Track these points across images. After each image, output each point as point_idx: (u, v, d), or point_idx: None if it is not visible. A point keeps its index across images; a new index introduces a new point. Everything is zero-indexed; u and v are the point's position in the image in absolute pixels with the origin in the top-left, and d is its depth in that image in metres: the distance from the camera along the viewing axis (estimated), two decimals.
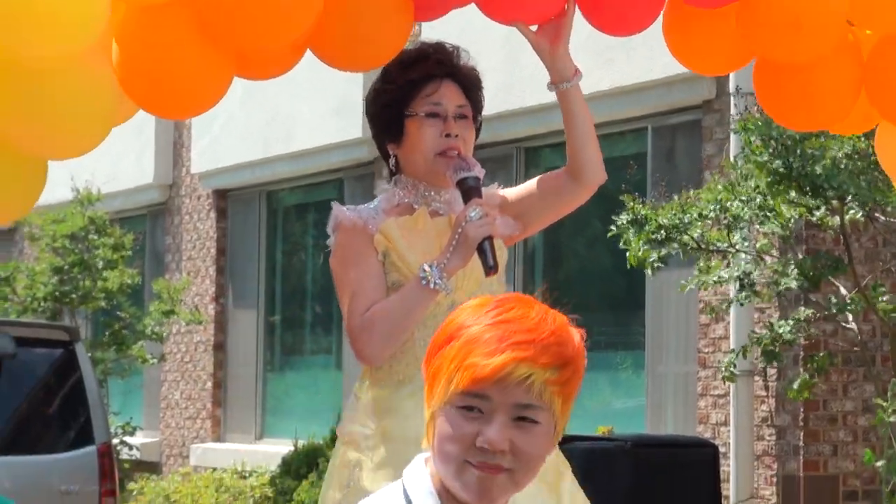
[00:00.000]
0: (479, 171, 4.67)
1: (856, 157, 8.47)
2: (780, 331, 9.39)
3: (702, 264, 9.46)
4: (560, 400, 2.99)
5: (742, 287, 9.29)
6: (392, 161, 4.79)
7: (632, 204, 9.38)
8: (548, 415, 2.98)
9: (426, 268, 4.55)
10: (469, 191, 4.62)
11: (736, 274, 9.27)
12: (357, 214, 4.74)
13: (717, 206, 9.10)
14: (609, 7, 4.67)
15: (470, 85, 4.80)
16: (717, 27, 4.71)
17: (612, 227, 9.44)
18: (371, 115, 4.83)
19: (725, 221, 9.21)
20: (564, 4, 4.66)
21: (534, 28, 4.75)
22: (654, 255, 9.24)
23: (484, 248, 4.56)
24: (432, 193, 4.76)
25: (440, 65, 4.76)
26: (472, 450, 2.97)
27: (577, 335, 3.05)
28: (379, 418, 4.61)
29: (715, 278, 9.33)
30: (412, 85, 4.71)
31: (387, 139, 4.79)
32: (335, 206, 4.79)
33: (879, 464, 8.23)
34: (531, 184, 4.92)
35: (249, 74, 4.60)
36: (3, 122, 4.15)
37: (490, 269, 4.57)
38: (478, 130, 4.85)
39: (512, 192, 4.86)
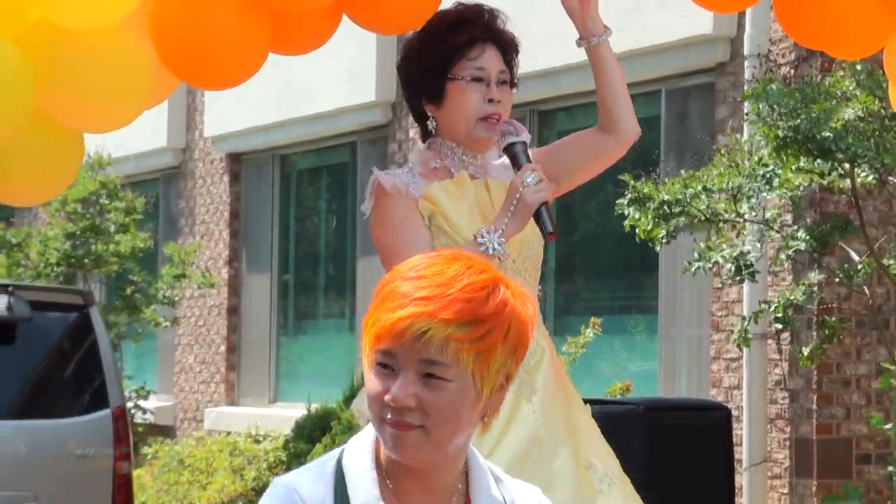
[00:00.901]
0: (526, 136, 4.71)
1: (869, 118, 8.47)
2: (792, 297, 9.41)
3: (702, 244, 9.42)
4: (471, 357, 2.93)
5: (738, 270, 9.27)
6: (431, 123, 4.78)
7: (633, 183, 9.37)
8: (458, 372, 2.93)
9: (484, 233, 4.56)
10: (518, 155, 4.65)
11: (734, 254, 9.25)
12: (398, 179, 4.71)
13: (727, 186, 9.10)
14: None
15: (511, 50, 4.83)
16: None
17: (621, 200, 9.44)
18: (408, 76, 4.83)
19: (732, 193, 9.22)
20: None
21: None
22: (663, 231, 9.23)
23: (541, 213, 4.58)
24: (468, 157, 4.79)
25: (485, 29, 4.78)
26: (386, 407, 2.96)
27: (508, 298, 2.97)
28: None
29: (710, 264, 9.31)
30: (456, 48, 4.73)
31: (425, 101, 4.79)
32: (375, 171, 4.74)
33: (888, 426, 8.26)
34: (562, 144, 4.95)
35: (286, 49, 4.63)
36: (42, 94, 4.18)
37: (549, 233, 4.59)
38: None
39: (542, 154, 4.88)
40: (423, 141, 4.86)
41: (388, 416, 2.96)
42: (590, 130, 4.91)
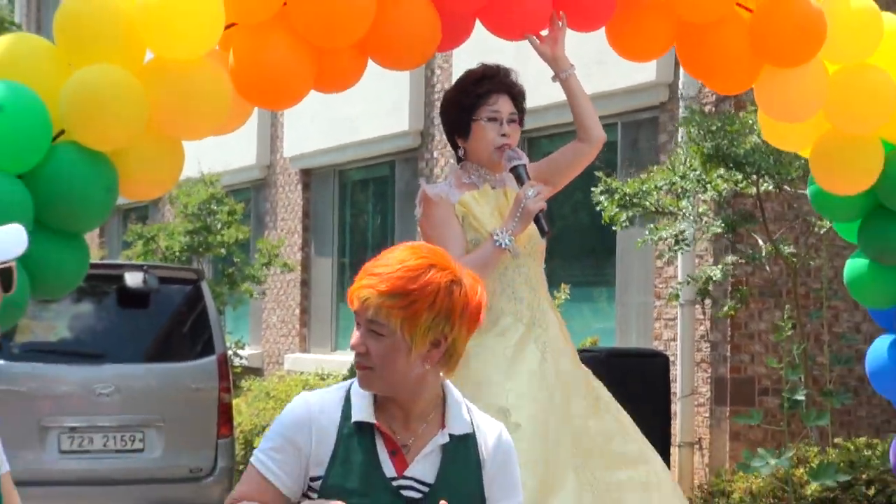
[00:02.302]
0: (525, 159, 4.78)
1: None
2: (711, 274, 9.42)
3: (652, 226, 9.47)
4: (399, 321, 2.97)
5: (677, 242, 9.32)
6: (461, 151, 4.85)
7: (605, 179, 9.42)
8: (390, 329, 2.98)
9: (498, 233, 4.63)
10: (520, 174, 4.74)
11: (674, 234, 9.30)
12: (440, 190, 4.78)
13: (668, 182, 9.13)
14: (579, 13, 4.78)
15: (519, 98, 4.88)
16: (643, 25, 4.81)
17: (593, 194, 9.48)
18: (445, 116, 4.92)
19: (676, 192, 9.24)
20: (548, 19, 4.79)
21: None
22: (624, 216, 9.27)
23: (539, 219, 4.65)
24: (489, 175, 4.85)
25: (500, 84, 4.83)
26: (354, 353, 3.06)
27: (438, 279, 2.98)
28: None
29: (657, 237, 9.36)
30: (479, 97, 4.79)
31: (457, 135, 4.86)
32: (423, 184, 4.83)
33: (780, 367, 8.26)
34: (553, 157, 5.04)
35: (325, 88, 4.63)
36: (153, 110, 4.20)
37: (545, 233, 4.67)
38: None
39: (541, 165, 4.96)
40: (458, 163, 4.93)
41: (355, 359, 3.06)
42: (570, 144, 4.98)
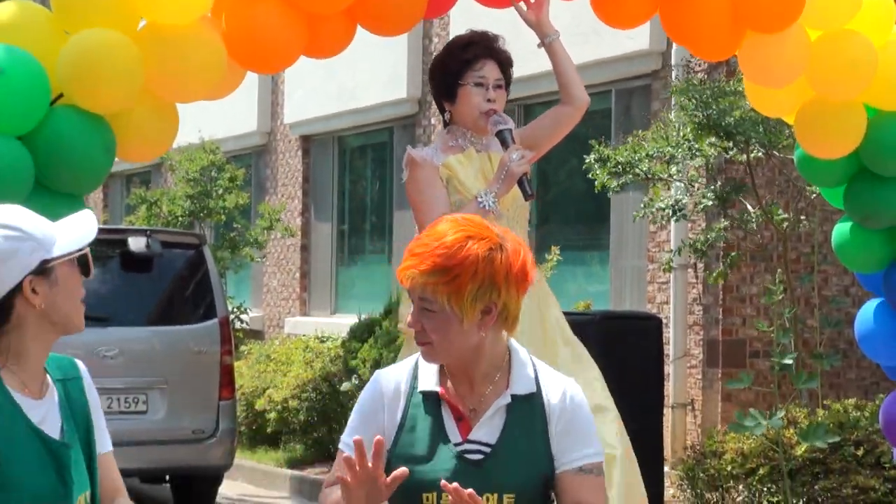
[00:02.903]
0: (511, 124, 4.78)
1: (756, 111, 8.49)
2: (707, 236, 9.44)
3: (647, 198, 9.47)
4: (445, 296, 3.01)
5: (674, 211, 9.33)
6: (447, 115, 4.85)
7: (597, 146, 9.42)
8: (439, 305, 3.02)
9: (482, 194, 4.64)
10: (505, 139, 4.74)
11: (671, 203, 9.31)
12: (425, 153, 4.79)
13: (659, 150, 9.14)
14: None
15: (506, 64, 4.88)
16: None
17: (586, 161, 9.49)
18: (433, 80, 4.92)
19: (665, 159, 9.25)
20: None
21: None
22: (615, 183, 9.28)
23: (522, 181, 4.65)
24: (475, 138, 4.84)
25: (486, 49, 4.82)
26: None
27: (475, 250, 3.00)
28: None
29: (654, 208, 9.37)
30: (465, 62, 4.79)
31: (444, 98, 4.86)
32: (409, 148, 4.84)
33: (770, 330, 8.28)
34: (536, 121, 5.05)
35: (315, 54, 4.65)
36: (148, 74, 4.23)
37: (529, 195, 4.67)
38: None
39: (525, 131, 4.98)
40: (445, 127, 4.92)
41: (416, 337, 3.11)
42: (554, 108, 4.99)
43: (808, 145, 5.12)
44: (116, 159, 4.35)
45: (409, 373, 3.17)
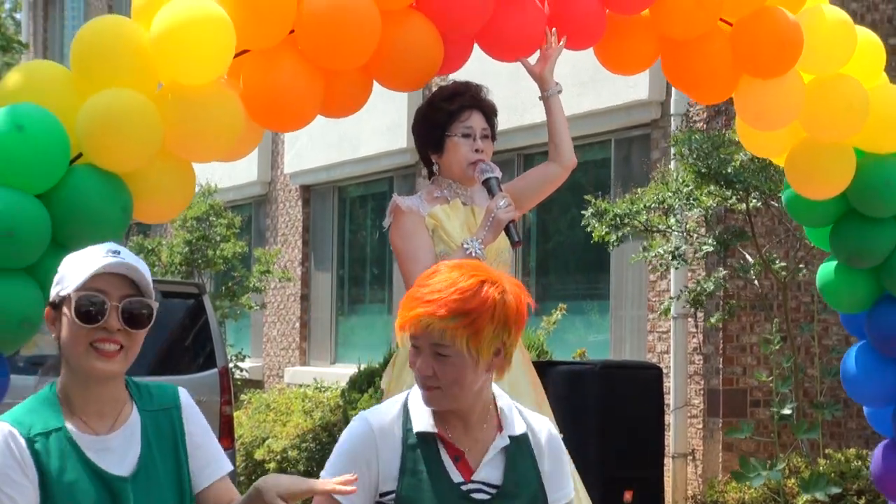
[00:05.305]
0: (498, 172, 4.77)
1: (757, 159, 8.52)
2: (705, 286, 9.43)
3: (646, 243, 9.49)
4: (464, 339, 3.03)
5: (674, 257, 9.34)
6: (435, 167, 4.84)
7: (594, 201, 9.43)
8: (456, 350, 3.03)
9: (468, 241, 4.62)
10: (492, 186, 4.72)
11: (671, 249, 9.32)
12: (411, 202, 4.79)
13: (657, 200, 9.15)
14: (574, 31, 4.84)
15: (490, 114, 4.88)
16: (629, 41, 4.92)
17: (584, 215, 9.49)
18: (418, 132, 4.89)
19: (664, 209, 9.26)
20: (541, 42, 4.83)
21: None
22: (614, 237, 9.28)
23: (509, 228, 4.64)
24: (461, 190, 4.83)
25: (472, 99, 4.83)
26: (418, 376, 3.10)
27: (490, 293, 3.03)
28: None
29: (654, 254, 9.38)
30: (451, 114, 4.78)
31: (430, 150, 4.85)
32: (395, 196, 4.82)
33: (770, 380, 8.26)
34: (523, 177, 5.02)
35: (332, 113, 4.67)
36: (166, 133, 4.24)
37: (516, 242, 4.66)
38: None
39: (511, 186, 4.95)
40: (429, 178, 4.93)
41: (420, 381, 3.10)
42: (542, 165, 4.98)
43: (798, 186, 5.22)
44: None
45: (400, 414, 3.16)
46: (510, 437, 3.15)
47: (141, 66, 4.20)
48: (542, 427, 3.24)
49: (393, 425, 3.14)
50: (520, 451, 3.17)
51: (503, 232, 4.66)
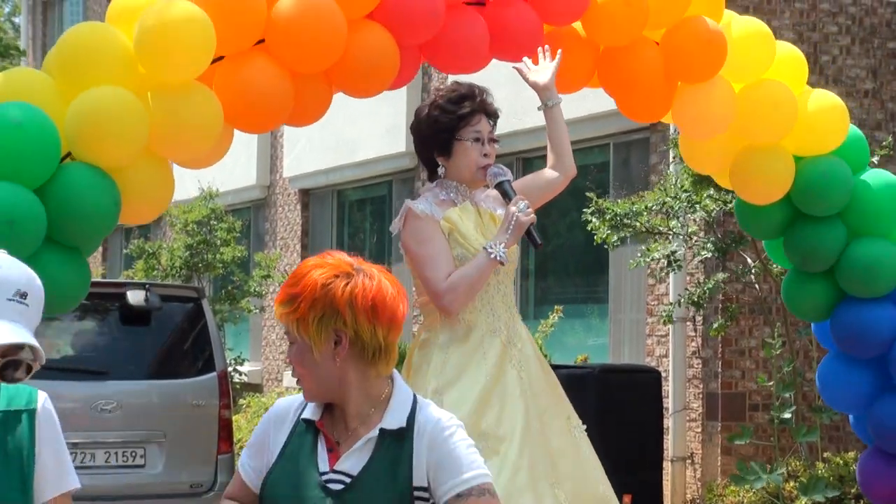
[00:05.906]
0: (509, 175, 4.78)
1: None
2: (705, 287, 9.44)
3: (644, 248, 9.49)
4: (294, 325, 3.08)
5: (669, 262, 9.34)
6: (441, 170, 4.81)
7: (595, 199, 9.44)
8: (294, 335, 3.10)
9: (492, 245, 4.61)
10: (507, 190, 4.72)
11: (665, 253, 9.32)
12: (425, 207, 4.74)
13: (659, 203, 9.15)
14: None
15: (495, 118, 4.89)
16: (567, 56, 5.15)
17: (584, 213, 9.50)
18: (424, 136, 4.86)
19: (665, 212, 9.26)
20: (488, 58, 5.03)
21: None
22: (615, 237, 9.28)
23: (531, 230, 4.64)
24: (468, 192, 4.83)
25: (480, 104, 4.83)
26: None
27: (318, 280, 3.05)
28: (449, 346, 4.63)
29: (650, 259, 9.38)
30: (461, 117, 4.78)
31: (437, 154, 4.82)
32: (407, 201, 4.78)
33: (770, 384, 8.27)
34: (529, 179, 5.01)
35: (296, 121, 4.79)
36: (151, 127, 4.33)
37: (538, 244, 4.65)
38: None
39: (516, 185, 4.95)
40: (430, 180, 4.90)
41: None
42: (542, 170, 4.98)
43: (742, 191, 5.56)
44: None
45: (300, 401, 3.23)
46: (382, 430, 3.12)
47: (124, 64, 4.30)
48: (431, 422, 3.14)
49: (292, 410, 3.23)
50: (392, 445, 3.12)
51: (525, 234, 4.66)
